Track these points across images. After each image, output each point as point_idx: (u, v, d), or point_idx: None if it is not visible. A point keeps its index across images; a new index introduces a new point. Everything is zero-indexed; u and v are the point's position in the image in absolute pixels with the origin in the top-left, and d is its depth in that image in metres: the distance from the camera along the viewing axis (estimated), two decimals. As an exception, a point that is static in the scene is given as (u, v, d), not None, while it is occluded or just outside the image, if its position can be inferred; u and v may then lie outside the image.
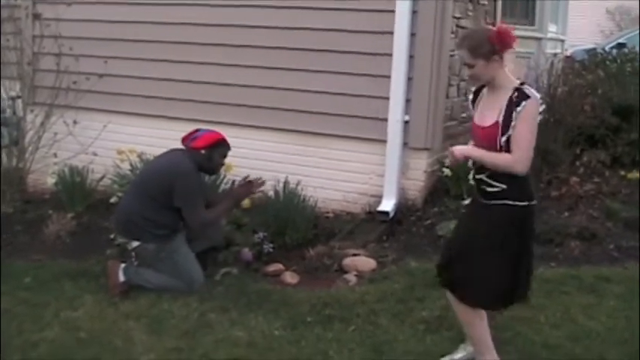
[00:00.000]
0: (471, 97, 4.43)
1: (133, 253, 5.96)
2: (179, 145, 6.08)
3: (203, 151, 5.92)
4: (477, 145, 4.21)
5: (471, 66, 4.12)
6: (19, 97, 8.14)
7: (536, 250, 5.99)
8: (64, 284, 6.02)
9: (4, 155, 7.91)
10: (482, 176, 4.15)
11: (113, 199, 7.31)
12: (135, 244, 5.90)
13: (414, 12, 6.66)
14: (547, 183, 7.01)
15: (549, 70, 7.67)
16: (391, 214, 6.79)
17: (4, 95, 8.03)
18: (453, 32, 7.06)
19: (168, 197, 5.76)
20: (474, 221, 4.30)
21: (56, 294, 5.86)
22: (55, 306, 5.63)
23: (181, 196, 5.75)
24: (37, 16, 8.14)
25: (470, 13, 7.53)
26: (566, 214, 6.63)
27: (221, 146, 6.05)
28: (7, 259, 6.68)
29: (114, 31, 8.01)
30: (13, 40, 8.08)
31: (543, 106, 4.50)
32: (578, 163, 7.23)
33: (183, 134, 6.04)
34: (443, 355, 4.65)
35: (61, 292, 5.90)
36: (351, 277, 5.95)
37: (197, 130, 6.08)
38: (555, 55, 9.12)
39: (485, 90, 4.28)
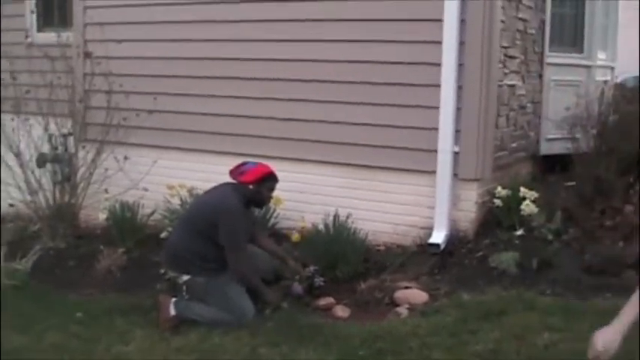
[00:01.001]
0: None
1: (184, 287, 5.98)
2: (229, 179, 6.11)
3: (251, 186, 5.94)
4: None
5: None
6: (70, 134, 8.24)
7: (591, 281, 5.97)
8: (115, 319, 6.05)
9: (56, 192, 8.00)
10: None
11: (163, 234, 7.34)
12: (185, 277, 5.92)
13: (461, 43, 6.62)
14: (600, 212, 6.88)
15: (600, 98, 7.57)
16: (442, 246, 6.71)
17: (56, 132, 8.13)
18: (500, 62, 7.01)
19: (214, 232, 5.78)
20: None
21: (107, 328, 5.89)
22: (106, 340, 5.65)
23: (224, 233, 5.77)
24: (88, 55, 8.27)
25: (517, 42, 7.48)
26: (621, 243, 6.50)
27: (269, 180, 6.07)
28: (59, 294, 6.75)
29: (163, 68, 8.10)
30: (65, 79, 8.19)
31: None
32: (631, 192, 7.09)
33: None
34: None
35: (112, 326, 5.93)
36: (403, 310, 5.89)
37: (244, 164, 6.09)
38: (605, 82, 9.00)
39: None
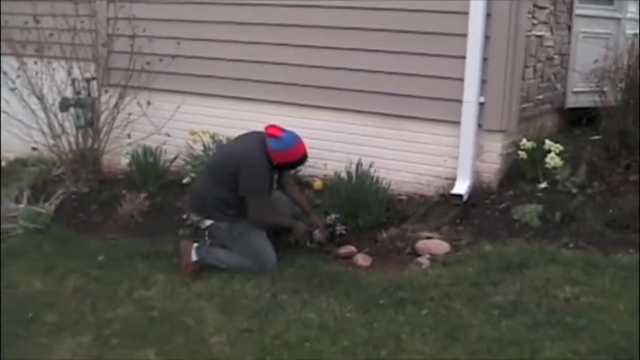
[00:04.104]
0: None
1: (206, 232, 6.01)
2: (250, 126, 6.07)
3: (275, 163, 5.85)
4: None
5: None
6: (93, 78, 8.21)
7: (613, 235, 5.93)
8: (137, 263, 6.10)
9: (79, 136, 8.01)
10: None
11: (186, 180, 7.36)
12: (208, 222, 5.93)
13: (490, -9, 6.53)
14: (625, 167, 6.81)
15: (630, 51, 7.45)
16: (465, 197, 6.67)
17: (79, 77, 8.12)
18: (529, 12, 6.90)
19: (237, 182, 5.76)
20: None
21: (129, 273, 5.94)
22: (128, 284, 5.71)
23: (244, 184, 5.75)
24: (111, -2, 8.22)
25: (547, -8, 7.36)
26: (646, 198, 6.45)
27: (298, 163, 6.01)
28: (81, 238, 6.79)
29: (186, 12, 8.02)
30: (88, 23, 8.14)
31: None
32: (658, 147, 7.02)
33: (264, 124, 5.97)
34: (517, 341, 4.55)
35: (133, 270, 5.98)
36: (424, 260, 5.88)
37: (280, 136, 5.84)
38: (635, 35, 8.85)
39: None
